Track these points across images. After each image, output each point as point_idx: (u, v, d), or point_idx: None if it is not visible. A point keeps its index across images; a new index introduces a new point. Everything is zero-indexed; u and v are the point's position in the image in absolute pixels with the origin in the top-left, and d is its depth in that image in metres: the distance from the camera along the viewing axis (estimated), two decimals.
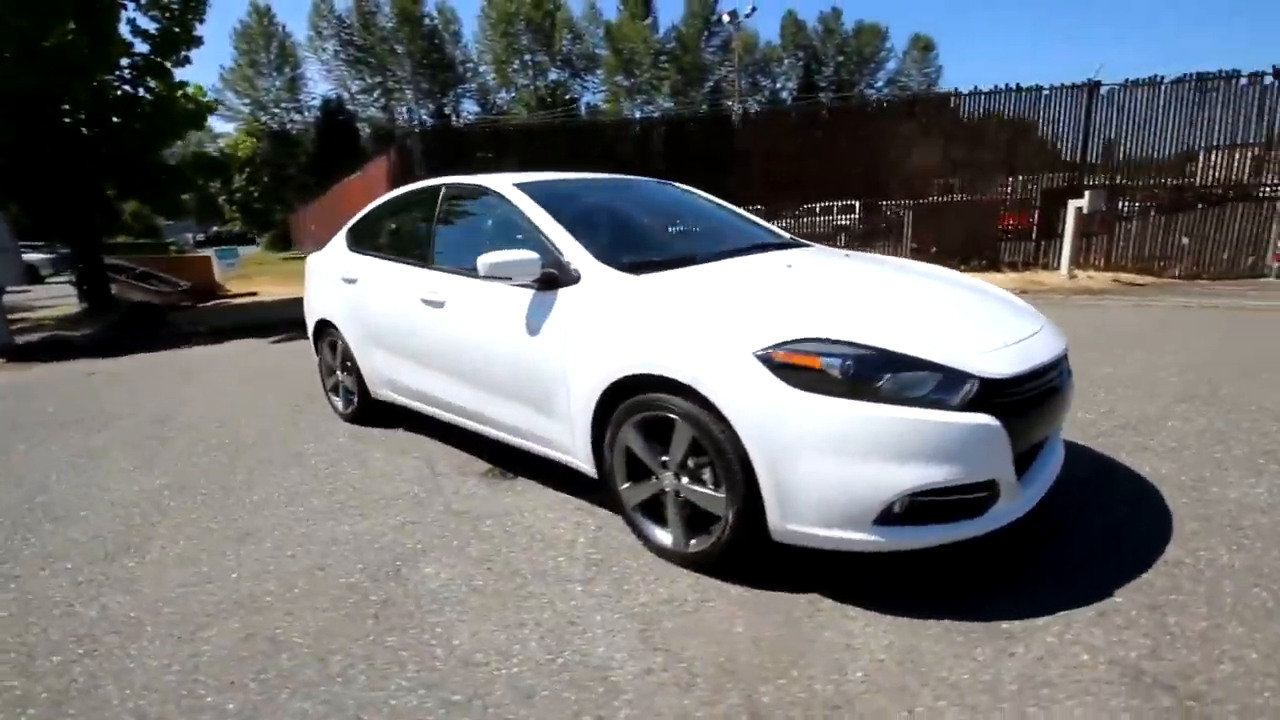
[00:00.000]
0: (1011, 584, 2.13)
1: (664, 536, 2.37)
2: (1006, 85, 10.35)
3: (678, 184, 3.95)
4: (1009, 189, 10.89)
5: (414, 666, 1.87)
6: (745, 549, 2.15)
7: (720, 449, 2.07)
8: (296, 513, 2.92)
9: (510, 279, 2.61)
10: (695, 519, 2.28)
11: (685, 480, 2.25)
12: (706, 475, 2.20)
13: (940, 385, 1.91)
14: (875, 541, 1.94)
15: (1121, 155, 10.27)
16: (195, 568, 2.48)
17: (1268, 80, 9.11)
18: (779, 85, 58.17)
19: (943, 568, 2.19)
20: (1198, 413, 3.57)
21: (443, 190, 3.39)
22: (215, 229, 46.42)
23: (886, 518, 1.92)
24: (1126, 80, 9.82)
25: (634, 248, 2.86)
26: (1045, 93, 10.29)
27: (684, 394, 2.15)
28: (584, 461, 2.62)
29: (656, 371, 2.18)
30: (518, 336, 2.71)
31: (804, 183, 11.54)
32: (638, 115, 46.68)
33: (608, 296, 2.44)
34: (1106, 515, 2.53)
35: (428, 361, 3.29)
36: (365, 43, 44.08)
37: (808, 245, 3.29)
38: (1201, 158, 9.88)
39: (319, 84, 57.81)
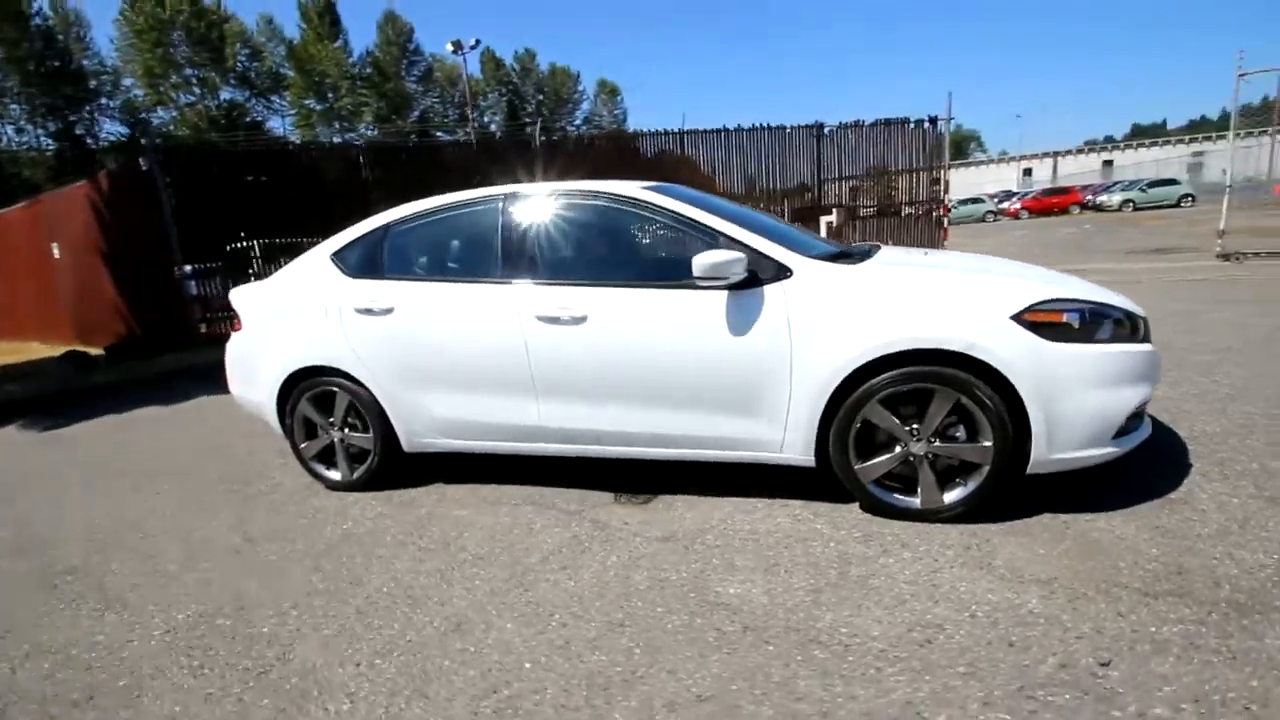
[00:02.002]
0: (1124, 479, 2.81)
1: (911, 500, 2.58)
2: (762, 125, 12.41)
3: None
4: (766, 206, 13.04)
5: (882, 663, 1.80)
6: (1001, 491, 2.50)
7: (987, 403, 2.39)
8: (478, 588, 2.36)
9: (724, 280, 2.54)
10: (940, 477, 2.55)
11: (938, 442, 2.51)
12: (960, 433, 2.50)
13: (1129, 325, 2.53)
14: (1113, 452, 2.47)
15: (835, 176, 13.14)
16: (461, 677, 1.89)
17: (926, 125, 12.62)
18: (486, 119, 58.94)
19: (1055, 484, 2.74)
20: None
21: (527, 199, 3.03)
22: None
23: (1119, 432, 2.46)
24: (840, 123, 12.63)
25: (794, 245, 2.97)
26: (788, 131, 12.62)
27: (946, 361, 2.41)
28: (799, 454, 2.67)
29: (926, 345, 2.40)
30: (715, 339, 2.64)
31: None
32: (335, 140, 42.61)
33: (836, 286, 2.56)
34: None
35: (545, 387, 2.91)
36: None
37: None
38: (896, 180, 13.17)
39: None
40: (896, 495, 2.61)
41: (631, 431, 2.87)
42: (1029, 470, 2.47)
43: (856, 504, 2.74)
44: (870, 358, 2.46)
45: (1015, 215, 32.74)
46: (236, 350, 3.60)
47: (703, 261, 2.50)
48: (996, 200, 35.91)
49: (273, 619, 2.28)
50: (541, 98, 62.70)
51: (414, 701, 1.81)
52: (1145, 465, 2.90)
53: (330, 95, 46.76)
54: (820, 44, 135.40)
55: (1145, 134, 71.88)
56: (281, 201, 9.52)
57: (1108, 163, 50.52)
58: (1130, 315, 2.56)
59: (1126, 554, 2.25)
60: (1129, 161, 46.74)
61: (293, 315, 3.36)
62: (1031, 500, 2.60)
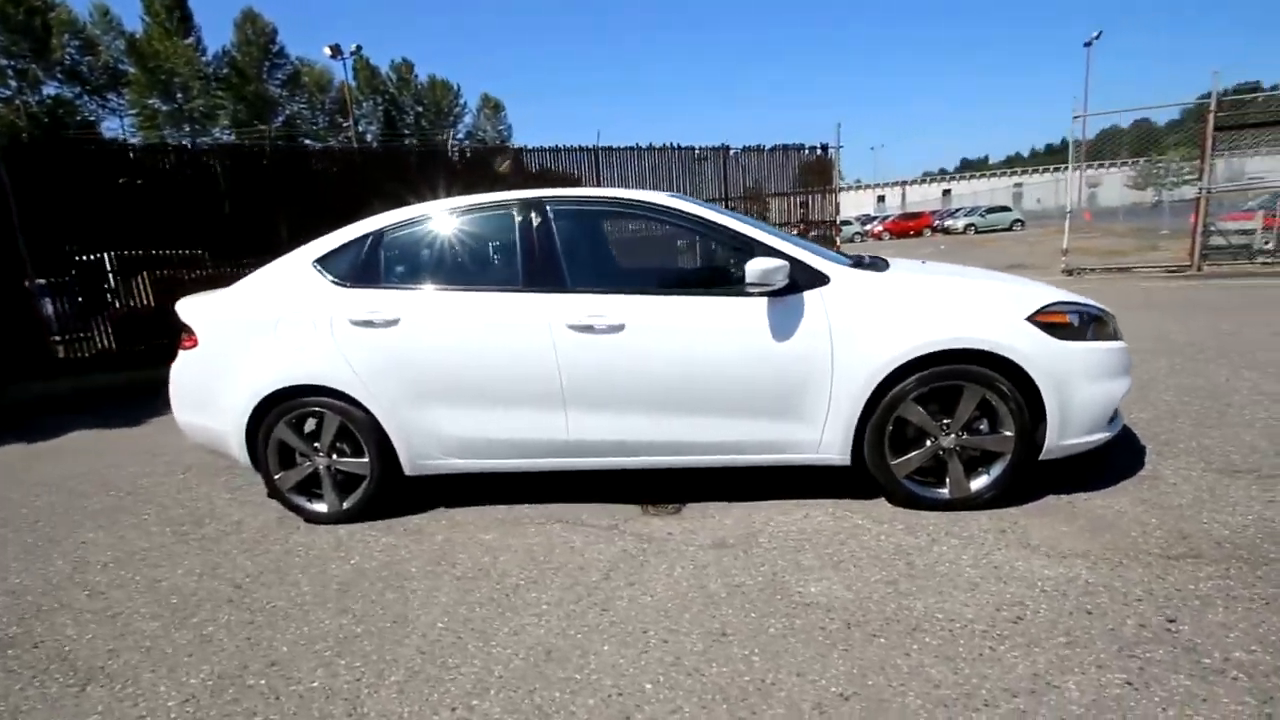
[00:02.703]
0: (1097, 461, 3.17)
1: (941, 491, 2.75)
2: (673, 144, 12.77)
3: None
4: None
5: (991, 642, 1.89)
6: (1022, 477, 2.72)
7: (1008, 397, 2.61)
8: (549, 613, 2.21)
9: (770, 286, 2.58)
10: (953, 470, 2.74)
11: (965, 435, 2.70)
12: (983, 426, 2.70)
13: (1110, 325, 2.87)
14: (1107, 436, 2.77)
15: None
16: (582, 707, 1.75)
17: (819, 151, 13.61)
18: (362, 129, 55.95)
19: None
20: None
21: (548, 205, 2.91)
22: None
23: (1110, 419, 2.77)
24: (744, 146, 13.30)
25: (820, 254, 3.06)
26: (697, 152, 13.08)
27: (974, 360, 2.60)
28: (836, 454, 2.76)
29: (961, 345, 2.57)
30: (758, 344, 2.67)
31: None
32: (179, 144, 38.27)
33: (871, 291, 2.69)
34: None
35: (577, 399, 2.79)
36: None
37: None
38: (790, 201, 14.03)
39: None
40: (928, 489, 2.77)
41: (669, 440, 2.83)
42: (1041, 456, 2.72)
43: (880, 499, 2.87)
44: (911, 357, 2.60)
45: (878, 236, 35.95)
46: (188, 371, 3.13)
47: (756, 268, 2.54)
48: (861, 222, 39.32)
49: (320, 671, 1.99)
50: (421, 109, 60.63)
51: None
52: (1107, 448, 3.27)
53: (180, 95, 42.26)
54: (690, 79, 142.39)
55: (972, 167, 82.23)
56: (145, 209, 8.43)
57: (946, 191, 57.05)
58: (1106, 314, 2.90)
59: (1134, 526, 2.53)
60: (965, 191, 52.99)
61: (269, 329, 2.98)
62: (1032, 486, 2.86)
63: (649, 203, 2.91)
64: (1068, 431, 2.67)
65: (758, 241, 2.76)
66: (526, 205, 2.94)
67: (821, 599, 2.18)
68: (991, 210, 34.14)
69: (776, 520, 2.78)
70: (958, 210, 37.36)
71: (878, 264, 3.09)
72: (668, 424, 2.80)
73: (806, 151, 13.72)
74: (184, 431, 3.27)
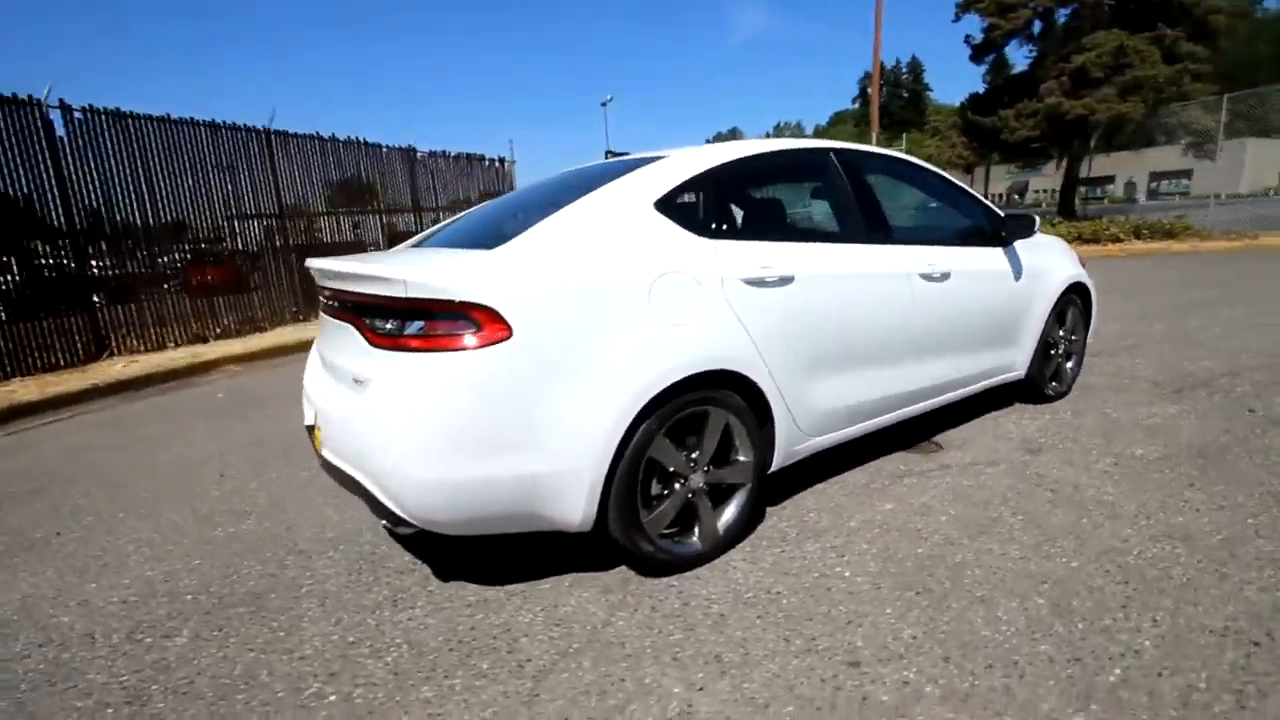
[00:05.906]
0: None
1: (1061, 386, 3.82)
2: (357, 138, 10.99)
3: None
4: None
5: None
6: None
7: (1083, 311, 3.86)
8: (1110, 526, 2.34)
9: (1031, 236, 3.18)
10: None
11: (1069, 341, 3.83)
12: (1074, 334, 3.88)
13: None
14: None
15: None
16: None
17: (498, 163, 13.73)
18: None
19: None
20: None
21: (849, 157, 2.79)
22: None
23: None
24: (430, 150, 12.44)
25: None
26: (384, 150, 11.60)
27: (1074, 290, 3.74)
28: (1022, 370, 3.56)
29: (1077, 279, 3.67)
30: (1006, 286, 3.26)
31: None
32: None
33: (1037, 242, 3.53)
34: None
35: (918, 348, 2.82)
36: None
37: None
38: None
39: None
40: (1054, 385, 3.80)
41: (944, 381, 3.05)
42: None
43: (1027, 404, 3.77)
44: (1065, 287, 3.58)
45: None
46: (489, 386, 1.79)
47: (1036, 221, 3.12)
48: None
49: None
50: None
51: None
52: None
53: None
54: None
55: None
56: None
57: None
58: None
59: (1172, 382, 4.06)
60: None
61: (639, 298, 1.99)
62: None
63: (916, 164, 3.13)
64: (1090, 332, 4.07)
65: (985, 204, 3.32)
66: (838, 154, 2.77)
67: (1169, 451, 2.94)
68: None
69: (1018, 429, 3.37)
70: None
71: None
72: (952, 365, 3.07)
73: (488, 163, 13.68)
74: (447, 501, 1.83)
